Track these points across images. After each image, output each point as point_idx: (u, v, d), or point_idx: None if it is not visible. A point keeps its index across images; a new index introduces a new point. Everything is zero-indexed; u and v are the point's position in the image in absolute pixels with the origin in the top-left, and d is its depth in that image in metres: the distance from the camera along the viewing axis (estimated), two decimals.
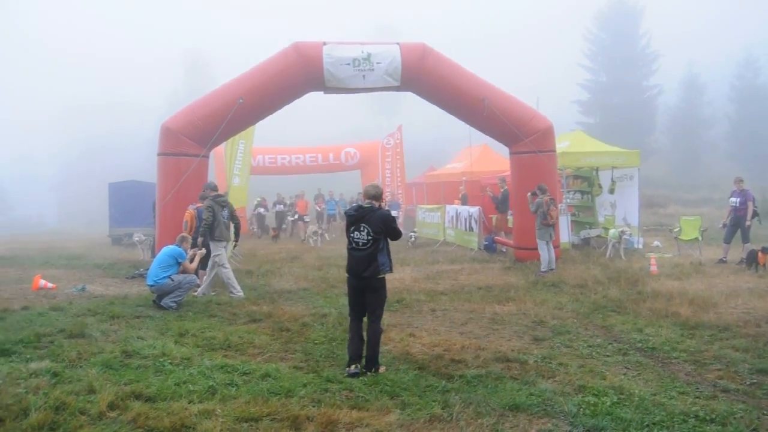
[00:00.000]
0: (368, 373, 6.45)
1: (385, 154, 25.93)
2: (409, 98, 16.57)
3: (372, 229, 6.55)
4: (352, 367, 6.52)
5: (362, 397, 5.82)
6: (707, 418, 5.33)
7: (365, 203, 6.77)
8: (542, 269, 13.03)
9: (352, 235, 6.70)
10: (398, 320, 9.12)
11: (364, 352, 6.65)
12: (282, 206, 25.54)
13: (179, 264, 10.02)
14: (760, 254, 12.69)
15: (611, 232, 15.47)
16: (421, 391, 6.00)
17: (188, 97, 19.35)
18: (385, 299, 6.85)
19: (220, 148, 18.73)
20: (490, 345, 7.61)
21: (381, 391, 5.95)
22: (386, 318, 9.14)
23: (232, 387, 5.97)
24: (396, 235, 6.79)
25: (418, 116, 37.58)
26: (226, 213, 11.35)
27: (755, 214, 14.29)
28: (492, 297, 10.66)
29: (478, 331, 8.43)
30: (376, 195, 6.79)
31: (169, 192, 13.26)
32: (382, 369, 6.60)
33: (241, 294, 10.99)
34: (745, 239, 14.05)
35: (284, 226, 25.22)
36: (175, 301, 9.71)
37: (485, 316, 9.30)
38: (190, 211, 11.82)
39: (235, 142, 17.09)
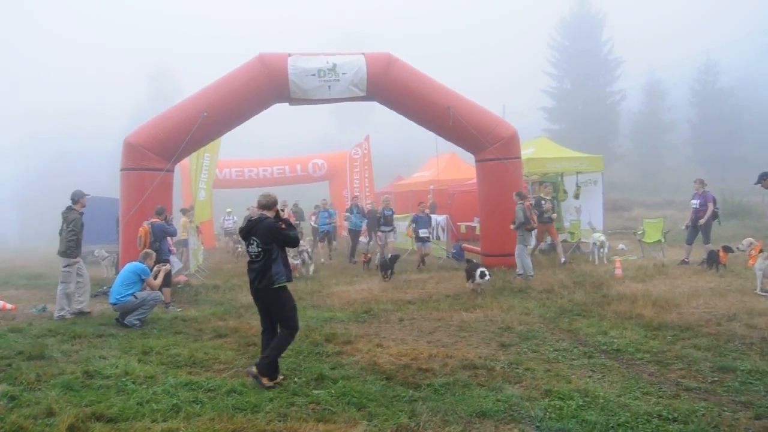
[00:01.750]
0: (254, 369, 6.40)
1: (353, 165, 25.94)
2: (376, 108, 16.61)
3: (261, 240, 6.46)
4: (264, 379, 6.45)
5: (329, 409, 5.77)
6: (670, 417, 5.41)
7: (256, 216, 6.71)
8: (519, 272, 13.16)
9: (247, 249, 6.66)
10: (366, 331, 9.08)
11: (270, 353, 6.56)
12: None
13: (143, 281, 9.86)
14: (721, 253, 12.96)
15: (594, 236, 15.58)
16: (388, 401, 5.97)
17: (152, 111, 19.08)
18: (293, 307, 6.72)
19: (186, 162, 18.53)
20: (457, 353, 7.61)
21: (348, 403, 5.91)
22: (354, 329, 9.15)
23: (197, 404, 5.89)
24: (291, 242, 6.64)
25: (386, 126, 37.66)
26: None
27: (715, 215, 14.58)
28: (460, 305, 10.69)
29: (445, 339, 8.44)
30: (266, 205, 6.69)
31: (132, 207, 13.07)
32: (265, 381, 6.40)
33: (63, 314, 10.57)
34: (706, 240, 14.33)
35: None
36: (138, 319, 9.54)
37: (453, 324, 9.32)
38: (145, 226, 11.64)
39: (201, 156, 16.93)
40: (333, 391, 6.24)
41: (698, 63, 49.68)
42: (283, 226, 6.62)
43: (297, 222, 20.85)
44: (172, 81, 60.88)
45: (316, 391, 6.29)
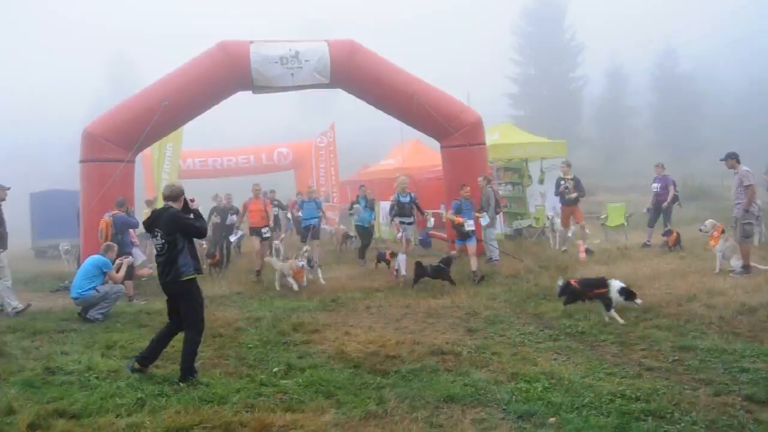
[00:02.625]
0: (181, 384, 6.13)
1: (318, 153, 25.79)
2: (341, 96, 16.51)
3: (163, 231, 6.28)
4: (135, 364, 6.46)
5: (297, 398, 5.76)
6: (633, 396, 5.52)
7: (163, 206, 6.49)
8: (496, 257, 13.28)
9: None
10: (333, 319, 9.07)
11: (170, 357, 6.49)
12: (229, 215, 16.21)
13: (105, 274, 9.67)
14: (668, 237, 13.57)
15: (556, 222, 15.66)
16: (356, 389, 5.98)
17: (112, 101, 18.67)
18: (200, 304, 6.56)
19: (148, 152, 18.21)
20: (425, 339, 7.66)
21: (316, 392, 5.90)
22: (321, 317, 9.14)
23: (162, 397, 5.82)
24: (196, 232, 6.46)
25: (351, 114, 37.50)
26: None
27: (675, 198, 14.90)
28: (426, 291, 10.75)
29: (413, 326, 8.49)
30: (170, 196, 6.47)
31: (93, 199, 12.78)
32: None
33: (18, 306, 10.14)
34: (667, 222, 14.63)
35: (234, 245, 16.72)
36: (101, 313, 9.37)
37: (420, 310, 9.36)
38: (106, 218, 11.39)
39: (163, 146, 16.66)
40: (301, 381, 6.23)
41: (658, 48, 50.51)
42: (192, 216, 6.45)
43: (276, 212, 18.82)
44: (131, 67, 59.54)
45: (283, 381, 6.27)
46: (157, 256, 6.43)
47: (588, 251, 13.54)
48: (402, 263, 12.11)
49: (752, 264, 10.69)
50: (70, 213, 16.12)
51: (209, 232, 15.48)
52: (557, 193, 14.77)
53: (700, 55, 51.01)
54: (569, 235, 14.87)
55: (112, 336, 8.29)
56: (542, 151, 17.66)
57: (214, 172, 27.18)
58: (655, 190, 14.91)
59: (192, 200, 6.77)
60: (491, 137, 17.05)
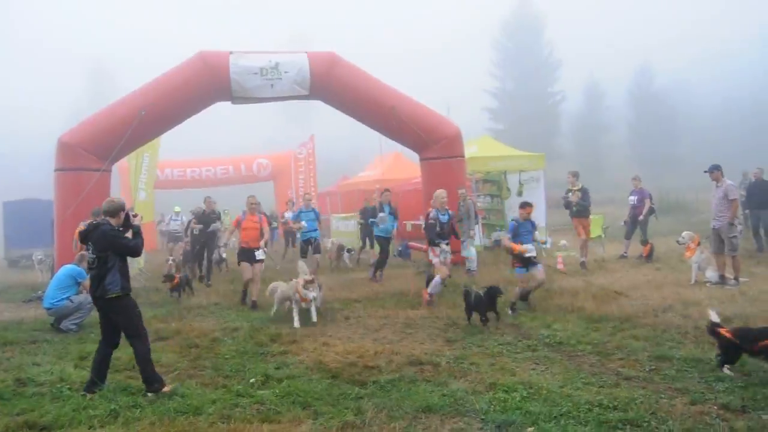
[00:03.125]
0: (149, 395, 6.06)
1: (297, 165, 25.75)
2: (321, 108, 16.52)
3: (95, 247, 6.15)
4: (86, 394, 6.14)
5: (273, 409, 5.69)
6: (610, 405, 5.54)
7: (99, 221, 6.36)
8: (474, 268, 13.29)
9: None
10: (311, 330, 9.00)
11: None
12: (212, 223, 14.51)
13: (79, 284, 9.51)
14: (644, 248, 13.86)
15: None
16: (334, 399, 5.93)
17: (89, 110, 18.52)
18: (136, 316, 6.41)
19: (125, 162, 18.02)
20: (403, 349, 7.62)
21: (293, 402, 5.83)
22: (299, 328, 9.05)
23: (137, 409, 5.72)
24: (128, 251, 6.28)
25: (330, 126, 37.56)
26: None
27: (651, 210, 15.10)
28: (406, 302, 10.70)
29: (391, 336, 8.44)
30: (108, 211, 6.31)
31: (68, 209, 12.62)
32: (166, 388, 6.18)
33: None
34: (644, 235, 14.81)
35: (217, 256, 15.33)
36: (75, 323, 9.21)
37: (399, 321, 9.32)
38: (81, 228, 11.22)
39: (140, 155, 16.50)
40: (278, 391, 6.16)
41: (635, 65, 51.37)
42: (130, 234, 6.31)
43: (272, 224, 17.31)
44: (110, 80, 59.06)
45: (260, 392, 6.19)
46: (89, 269, 6.32)
47: (582, 264, 13.45)
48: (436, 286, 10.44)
49: (727, 275, 10.86)
50: (45, 222, 15.92)
51: (188, 246, 15.24)
52: (565, 206, 14.28)
53: (674, 73, 51.95)
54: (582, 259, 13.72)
55: (86, 347, 8.13)
56: (520, 163, 17.81)
57: (192, 182, 26.98)
58: (632, 202, 15.11)
59: (135, 215, 6.64)
60: (470, 150, 17.15)
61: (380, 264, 13.42)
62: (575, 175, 14.36)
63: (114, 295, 6.15)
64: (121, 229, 6.35)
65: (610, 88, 51.65)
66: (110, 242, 6.14)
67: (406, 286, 12.21)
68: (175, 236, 18.41)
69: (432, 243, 10.79)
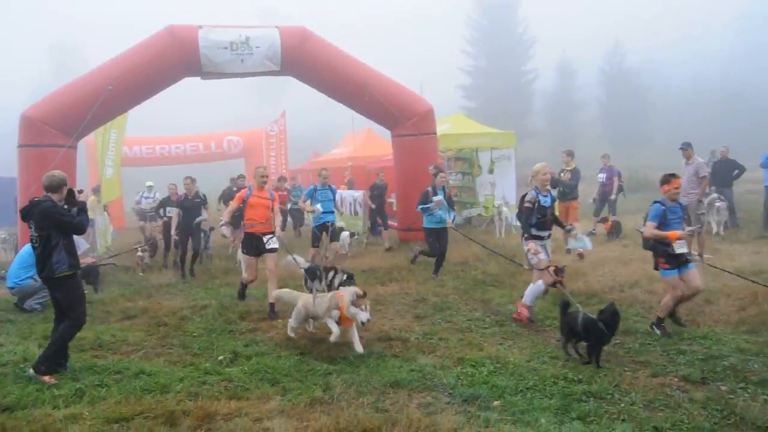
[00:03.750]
0: (32, 371, 5.88)
1: (269, 142, 25.49)
2: (293, 84, 16.30)
3: (36, 225, 5.97)
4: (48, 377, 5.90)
5: (242, 386, 5.70)
6: (575, 378, 5.66)
7: (42, 198, 6.09)
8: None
9: None
10: (281, 307, 8.96)
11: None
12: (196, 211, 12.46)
13: None
14: (604, 225, 14.16)
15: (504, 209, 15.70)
16: (302, 375, 5.95)
17: (54, 84, 18.04)
18: (80, 296, 6.28)
19: (91, 138, 17.67)
20: (373, 325, 7.61)
21: (261, 379, 5.85)
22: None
23: (102, 388, 5.67)
24: (72, 228, 6.05)
25: (303, 102, 37.19)
26: None
27: (620, 188, 15.29)
28: (376, 279, 10.72)
29: None
30: (49, 186, 6.07)
31: (31, 186, 12.27)
32: (52, 380, 5.81)
33: None
34: (613, 212, 15.01)
35: (207, 245, 13.62)
36: (39, 303, 9.04)
37: (369, 297, 9.28)
38: None
39: (107, 132, 16.17)
40: (246, 368, 6.16)
41: (607, 44, 51.56)
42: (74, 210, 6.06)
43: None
44: (76, 53, 57.63)
45: (228, 369, 6.19)
46: (33, 249, 6.11)
47: (580, 256, 11.80)
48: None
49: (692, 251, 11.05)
50: (8, 200, 15.56)
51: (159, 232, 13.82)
52: (552, 185, 13.10)
53: (646, 52, 52.33)
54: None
55: (50, 326, 7.95)
56: (492, 141, 17.84)
57: (161, 159, 26.56)
58: (601, 180, 15.27)
59: (80, 191, 6.48)
60: (442, 127, 17.13)
61: (439, 261, 10.75)
62: (570, 154, 13.20)
63: (62, 275, 5.98)
64: (65, 205, 6.13)
65: (583, 66, 51.82)
66: (52, 219, 5.93)
67: (376, 263, 12.23)
68: (147, 215, 16.84)
69: (529, 235, 7.91)
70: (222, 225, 9.43)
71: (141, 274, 12.39)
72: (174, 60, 13.41)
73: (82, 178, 15.84)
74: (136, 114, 15.91)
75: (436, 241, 10.61)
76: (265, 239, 8.80)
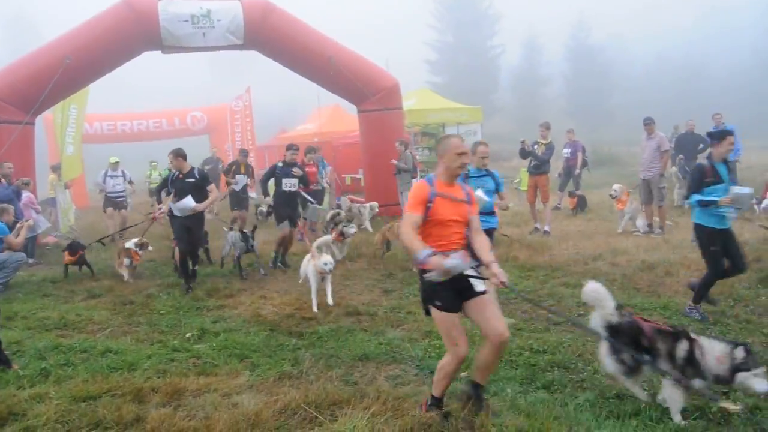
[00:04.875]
0: None
1: (234, 117, 25.09)
2: (258, 58, 16.03)
3: None
4: None
5: (210, 362, 5.70)
6: (540, 349, 5.79)
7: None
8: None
9: None
10: (249, 284, 8.96)
11: None
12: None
13: (1, 240, 9.11)
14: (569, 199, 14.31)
15: None
16: (271, 351, 5.97)
17: (8, 58, 17.48)
18: None
19: (50, 115, 17.19)
20: (341, 301, 7.69)
21: (230, 355, 5.85)
22: (237, 283, 9.01)
23: (68, 367, 5.62)
24: None
25: (268, 77, 36.68)
26: None
27: (585, 163, 15.51)
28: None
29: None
30: None
31: None
32: None
33: None
34: (577, 187, 15.23)
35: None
36: (0, 283, 8.85)
37: (337, 273, 9.29)
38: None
39: (66, 108, 15.71)
40: (215, 345, 6.15)
41: (572, 20, 51.91)
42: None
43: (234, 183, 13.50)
44: (31, 28, 55.76)
45: (197, 346, 6.17)
46: None
47: (545, 233, 11.75)
48: None
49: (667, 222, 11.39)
50: None
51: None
52: (521, 155, 12.84)
53: (610, 27, 52.81)
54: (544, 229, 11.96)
55: (13, 306, 7.85)
56: (458, 116, 17.92)
57: (123, 136, 25.98)
58: (566, 155, 15.46)
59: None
60: (408, 102, 17.13)
61: None
62: (547, 127, 12.71)
63: None
64: None
65: (549, 42, 52.16)
66: None
67: None
68: (114, 200, 14.26)
69: None
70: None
71: (129, 280, 9.56)
72: (133, 33, 13.07)
73: (42, 156, 15.44)
74: (98, 89, 15.50)
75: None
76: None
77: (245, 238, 9.62)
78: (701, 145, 14.71)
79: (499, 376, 5.18)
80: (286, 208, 9.92)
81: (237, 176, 13.56)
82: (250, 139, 24.83)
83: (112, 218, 14.07)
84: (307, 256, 8.09)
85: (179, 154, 9.03)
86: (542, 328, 6.45)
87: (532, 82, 51.06)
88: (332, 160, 18.07)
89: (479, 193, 6.15)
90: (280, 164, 10.03)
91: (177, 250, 9.16)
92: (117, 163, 14.60)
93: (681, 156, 14.81)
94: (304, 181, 10.24)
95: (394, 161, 13.07)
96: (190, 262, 8.92)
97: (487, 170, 6.97)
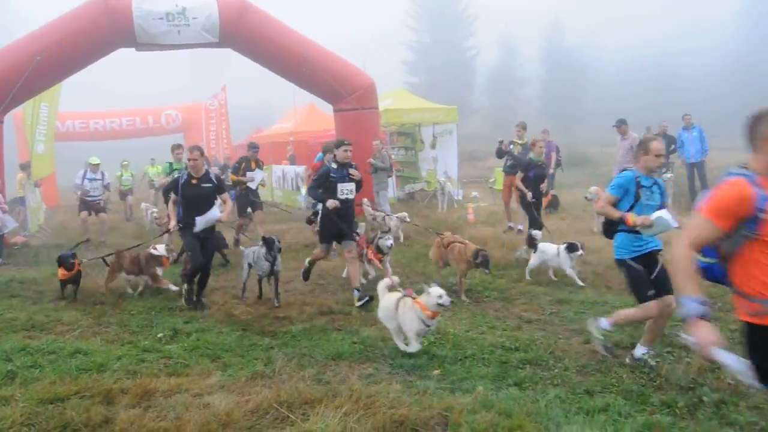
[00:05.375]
0: None
1: (209, 116, 24.96)
2: (234, 57, 15.92)
3: None
4: None
5: (182, 363, 5.65)
6: (512, 346, 5.84)
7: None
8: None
9: None
10: (222, 283, 8.90)
11: None
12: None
13: None
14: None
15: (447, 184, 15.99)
16: (244, 350, 5.94)
17: None
18: None
19: (20, 112, 16.91)
20: (315, 300, 7.67)
21: (202, 355, 5.81)
22: (210, 282, 8.88)
23: (36, 369, 5.51)
24: None
25: (244, 76, 36.45)
26: None
27: (558, 163, 15.66)
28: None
29: (303, 287, 8.46)
30: None
31: None
32: None
33: None
34: (550, 186, 15.37)
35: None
36: None
37: (311, 273, 9.33)
38: None
39: (37, 105, 15.50)
40: (186, 345, 6.10)
41: (547, 21, 52.32)
42: None
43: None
44: (1, 27, 54.73)
45: (168, 346, 6.11)
46: None
47: (519, 232, 11.74)
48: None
49: None
50: None
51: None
52: (497, 154, 13.18)
53: (584, 30, 53.33)
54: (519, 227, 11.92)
55: None
56: (434, 116, 17.97)
57: (96, 134, 25.67)
58: None
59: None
60: (385, 102, 17.15)
61: None
62: (524, 127, 12.83)
63: None
64: None
65: (524, 43, 52.53)
66: None
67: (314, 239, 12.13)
68: (91, 204, 13.24)
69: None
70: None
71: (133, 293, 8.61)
72: (106, 30, 12.91)
73: (11, 154, 15.15)
74: (70, 87, 15.31)
75: None
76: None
77: (271, 253, 7.50)
78: (672, 146, 14.93)
79: (472, 373, 5.21)
80: (337, 222, 7.71)
81: (248, 173, 11.81)
82: (226, 138, 24.70)
83: (86, 222, 13.02)
84: (390, 296, 6.05)
85: (197, 148, 7.71)
86: (514, 326, 6.51)
87: (507, 83, 51.39)
88: (307, 159, 18.00)
89: (664, 214, 4.97)
90: (334, 165, 7.89)
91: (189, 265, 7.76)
92: (97, 165, 13.49)
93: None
94: (359, 186, 8.12)
95: (370, 160, 13.06)
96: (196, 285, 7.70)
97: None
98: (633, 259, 5.17)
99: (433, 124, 18.08)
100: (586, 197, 12.46)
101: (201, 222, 7.42)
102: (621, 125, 11.91)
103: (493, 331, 6.34)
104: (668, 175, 14.39)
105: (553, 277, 8.64)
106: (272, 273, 7.44)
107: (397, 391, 4.80)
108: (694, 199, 14.66)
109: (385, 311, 5.92)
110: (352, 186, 7.81)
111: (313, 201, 8.51)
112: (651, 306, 5.10)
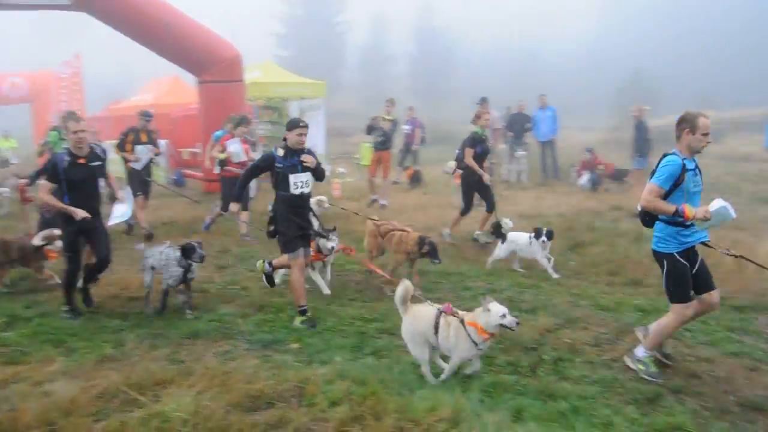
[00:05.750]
0: None
1: (60, 85, 23.13)
2: (90, 22, 14.74)
3: None
4: None
5: (20, 350, 5.27)
6: (370, 317, 6.04)
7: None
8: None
9: None
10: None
11: None
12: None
13: None
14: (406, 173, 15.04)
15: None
16: (91, 334, 5.65)
17: None
18: None
19: None
20: None
21: (43, 342, 5.45)
22: (55, 264, 8.30)
23: None
24: None
25: (101, 43, 34.11)
26: None
27: (423, 139, 16.14)
28: (177, 231, 10.06)
29: None
30: None
31: None
32: None
33: None
34: (414, 162, 15.84)
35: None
36: None
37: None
38: None
39: None
40: (26, 331, 5.69)
41: (418, 1, 53.23)
42: None
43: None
44: None
45: (5, 334, 5.66)
46: None
47: (383, 206, 12.05)
48: None
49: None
50: None
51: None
52: (367, 131, 12.83)
53: (453, 10, 54.79)
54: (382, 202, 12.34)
55: None
56: (302, 91, 17.80)
57: None
58: (406, 131, 15.97)
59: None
60: (252, 75, 16.73)
61: None
62: (393, 103, 12.87)
63: None
64: None
65: (395, 21, 53.16)
66: None
67: (178, 216, 11.71)
68: None
69: None
70: None
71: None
72: None
73: None
74: None
75: None
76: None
77: (186, 258, 6.21)
78: (527, 124, 15.77)
79: (330, 345, 5.30)
80: (298, 222, 6.16)
81: (137, 147, 10.00)
82: (79, 109, 23.02)
83: None
84: (422, 312, 4.83)
85: (75, 116, 6.20)
86: (374, 298, 6.67)
87: (378, 60, 51.88)
88: (169, 133, 17.23)
89: (724, 204, 4.53)
90: (281, 152, 6.04)
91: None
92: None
93: (511, 133, 15.80)
94: (319, 175, 6.37)
95: None
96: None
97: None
98: (680, 253, 4.71)
99: (300, 98, 17.90)
100: (443, 170, 12.96)
101: (114, 217, 7.35)
102: (484, 103, 12.45)
103: (353, 303, 6.50)
104: (521, 153, 15.30)
105: (519, 270, 8.05)
106: (185, 281, 6.33)
107: (254, 366, 4.77)
108: (546, 175, 15.66)
109: (416, 335, 4.69)
110: (307, 176, 6.12)
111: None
112: (686, 308, 4.74)
